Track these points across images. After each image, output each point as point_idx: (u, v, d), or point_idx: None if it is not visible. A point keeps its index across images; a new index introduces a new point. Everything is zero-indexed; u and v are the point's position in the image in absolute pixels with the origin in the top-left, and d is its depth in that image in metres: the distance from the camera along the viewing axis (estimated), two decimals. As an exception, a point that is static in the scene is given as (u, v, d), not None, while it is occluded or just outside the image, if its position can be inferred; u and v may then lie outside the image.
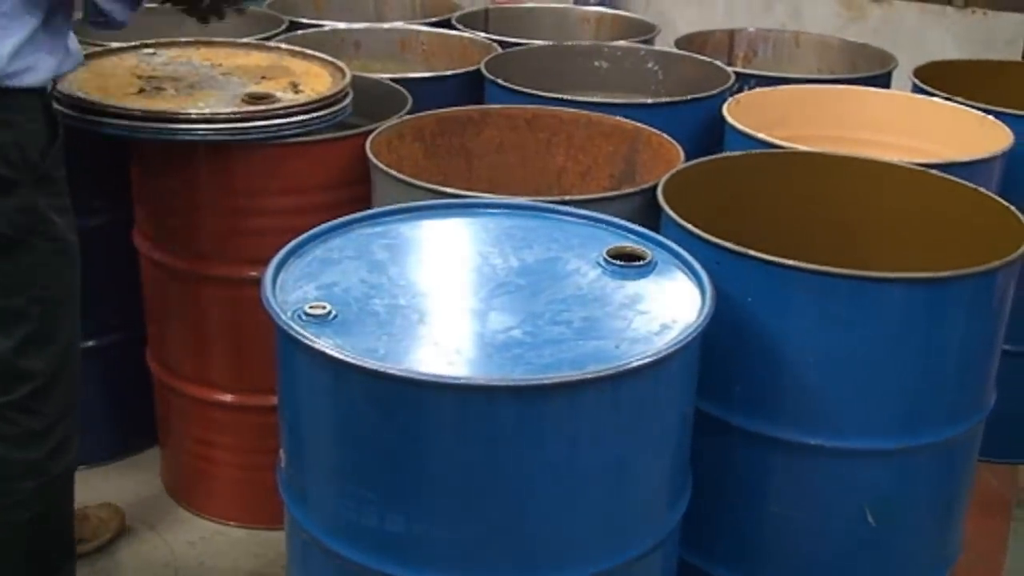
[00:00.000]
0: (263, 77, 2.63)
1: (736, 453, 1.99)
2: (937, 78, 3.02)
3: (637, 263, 1.81)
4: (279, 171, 2.43)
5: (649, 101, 2.98)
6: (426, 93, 2.74)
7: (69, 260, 2.11)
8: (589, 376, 1.50)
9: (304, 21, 3.50)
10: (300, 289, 1.69)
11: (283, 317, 1.59)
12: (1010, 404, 2.37)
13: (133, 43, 2.75)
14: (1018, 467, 3.10)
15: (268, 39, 3.10)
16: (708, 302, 1.68)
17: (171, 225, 2.56)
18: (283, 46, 2.89)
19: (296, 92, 2.52)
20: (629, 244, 1.87)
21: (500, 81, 2.80)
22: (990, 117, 2.71)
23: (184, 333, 2.66)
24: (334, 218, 1.90)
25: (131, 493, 2.82)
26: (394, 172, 2.19)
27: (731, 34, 3.75)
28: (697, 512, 1.84)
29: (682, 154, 2.35)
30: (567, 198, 2.06)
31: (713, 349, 1.76)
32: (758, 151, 2.43)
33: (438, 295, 1.74)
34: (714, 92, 2.82)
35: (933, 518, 2.07)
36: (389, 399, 1.51)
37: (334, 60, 2.76)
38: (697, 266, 1.79)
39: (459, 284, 1.79)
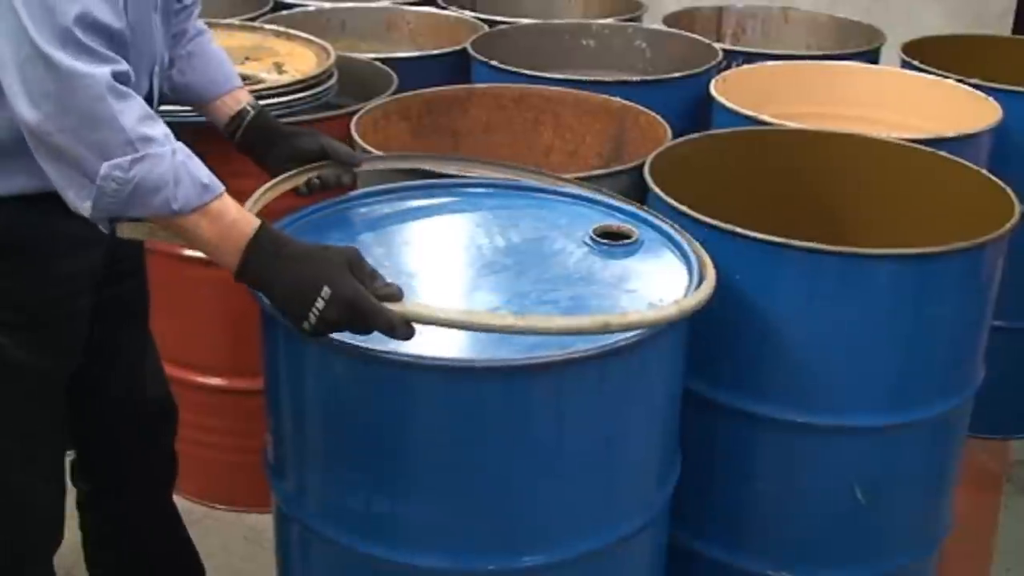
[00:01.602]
0: (247, 58, 2.61)
1: (725, 431, 1.99)
2: (927, 53, 3.01)
3: (624, 242, 1.80)
4: (264, 152, 2.41)
5: (636, 79, 2.96)
6: (412, 73, 2.72)
7: (13, 386, 1.70)
8: (575, 356, 1.48)
9: (289, 1, 3.47)
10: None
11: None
12: (1001, 380, 2.38)
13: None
14: (1009, 442, 3.11)
15: (253, 20, 3.07)
16: (695, 280, 1.67)
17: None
18: (267, 26, 2.87)
19: (280, 73, 2.51)
20: (616, 223, 1.86)
21: (487, 60, 2.79)
22: (979, 92, 2.70)
23: (171, 316, 2.64)
24: (318, 199, 1.88)
25: (120, 478, 2.81)
26: (380, 152, 2.18)
27: (719, 11, 3.74)
28: (687, 490, 1.84)
29: (670, 132, 2.34)
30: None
31: (702, 327, 1.75)
32: (746, 128, 2.42)
33: (424, 275, 1.72)
34: (702, 70, 2.81)
35: (923, 494, 2.07)
36: (374, 380, 1.50)
37: (319, 40, 2.74)
38: (684, 244, 1.78)
39: (445, 264, 1.77)
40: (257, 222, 1.48)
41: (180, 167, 1.42)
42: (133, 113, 1.40)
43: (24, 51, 1.35)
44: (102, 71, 1.37)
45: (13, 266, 1.61)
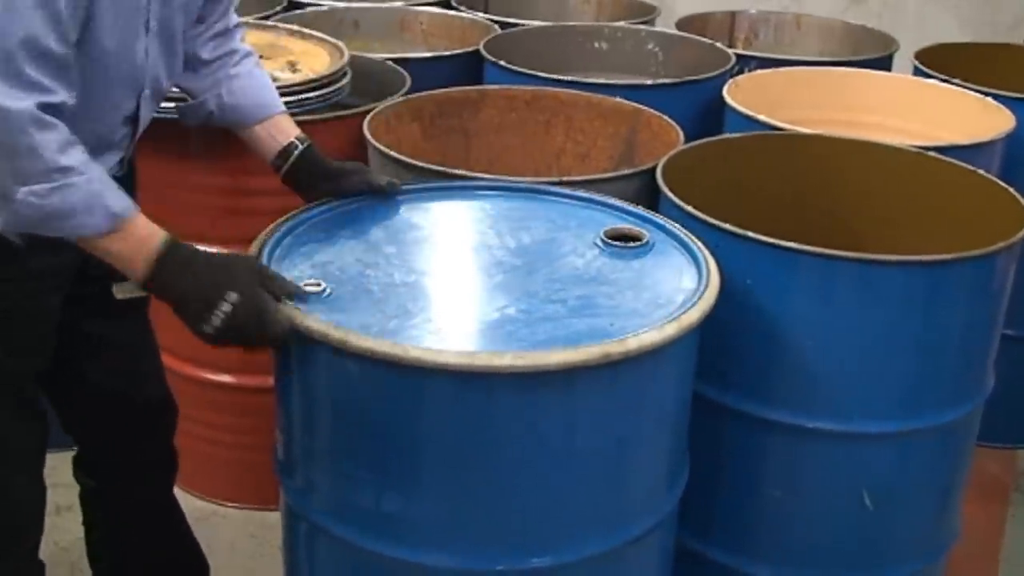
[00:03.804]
0: (261, 56, 2.60)
1: (734, 436, 1.99)
2: (939, 61, 3.00)
3: (634, 244, 1.80)
4: (276, 151, 2.41)
5: (649, 82, 2.96)
6: (425, 73, 2.73)
7: None
8: (587, 361, 1.48)
9: (303, 0, 3.48)
10: (295, 267, 1.68)
11: (278, 296, 1.58)
12: (1010, 389, 2.37)
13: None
14: (1017, 451, 3.10)
15: (267, 18, 3.08)
16: (705, 282, 1.67)
17: (166, 207, 2.54)
18: (281, 25, 2.88)
19: (294, 71, 2.51)
20: (626, 225, 1.86)
21: (499, 62, 2.79)
22: (991, 100, 2.69)
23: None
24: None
25: (128, 474, 2.81)
26: (392, 152, 2.18)
27: (732, 16, 3.74)
28: (695, 493, 1.83)
29: (682, 136, 2.34)
30: (565, 179, 2.04)
31: (712, 331, 1.75)
32: (758, 133, 2.42)
33: (433, 274, 1.73)
34: (714, 74, 2.80)
35: (931, 502, 2.07)
36: (384, 381, 1.50)
37: (332, 40, 2.74)
38: (694, 246, 1.78)
39: (455, 263, 1.78)
40: (166, 235, 1.55)
41: (94, 197, 1.48)
42: (53, 143, 1.44)
43: None
44: (25, 105, 1.41)
45: None
